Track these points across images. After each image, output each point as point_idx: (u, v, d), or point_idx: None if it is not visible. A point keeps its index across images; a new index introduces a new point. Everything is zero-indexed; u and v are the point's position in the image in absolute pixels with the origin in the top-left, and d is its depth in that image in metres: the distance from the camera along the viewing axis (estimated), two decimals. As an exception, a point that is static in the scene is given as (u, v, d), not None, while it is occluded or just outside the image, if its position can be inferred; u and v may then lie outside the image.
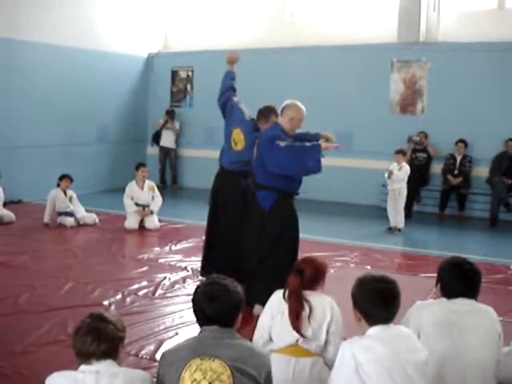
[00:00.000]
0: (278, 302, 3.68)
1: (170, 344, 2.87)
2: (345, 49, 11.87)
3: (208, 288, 2.80)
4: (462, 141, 10.73)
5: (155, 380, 2.75)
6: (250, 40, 12.93)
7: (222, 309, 2.73)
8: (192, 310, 2.84)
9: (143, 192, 9.31)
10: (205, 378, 2.54)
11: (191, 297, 2.85)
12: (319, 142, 5.77)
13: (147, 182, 9.38)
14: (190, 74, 13.92)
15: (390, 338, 2.83)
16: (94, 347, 2.50)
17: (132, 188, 9.32)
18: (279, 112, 5.72)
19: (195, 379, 2.55)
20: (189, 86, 13.97)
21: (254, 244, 5.43)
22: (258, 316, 4.24)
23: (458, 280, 3.30)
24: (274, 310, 3.65)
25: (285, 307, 3.59)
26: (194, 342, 2.75)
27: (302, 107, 5.78)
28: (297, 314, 3.52)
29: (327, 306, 3.56)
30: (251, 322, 4.27)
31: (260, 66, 12.70)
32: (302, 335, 3.47)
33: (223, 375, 2.56)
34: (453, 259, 3.42)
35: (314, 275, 3.57)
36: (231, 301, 2.77)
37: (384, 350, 2.74)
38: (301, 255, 7.52)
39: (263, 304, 4.41)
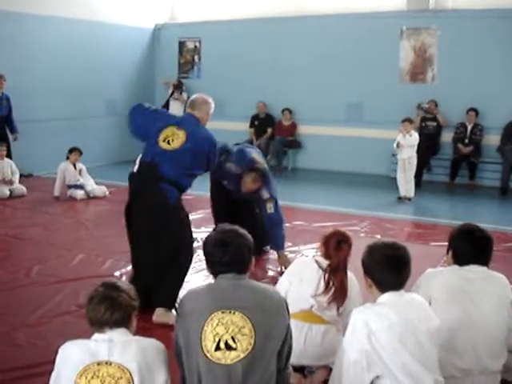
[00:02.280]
0: (298, 267, 3.73)
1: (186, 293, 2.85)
2: (354, 17, 11.72)
3: (219, 235, 2.82)
4: (473, 109, 10.62)
5: (175, 330, 2.77)
6: (257, 10, 12.81)
7: (237, 253, 2.75)
8: (205, 262, 2.85)
9: None
10: (227, 331, 2.58)
11: (202, 250, 2.87)
12: None
13: None
14: (197, 44, 13.81)
15: (403, 305, 2.83)
16: (107, 316, 2.51)
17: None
18: (191, 105, 4.99)
19: (217, 333, 2.59)
20: (196, 57, 13.87)
21: (155, 239, 4.67)
22: (159, 323, 4.41)
23: (471, 247, 3.28)
24: (293, 275, 3.70)
25: (304, 273, 3.64)
26: (212, 290, 2.76)
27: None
28: (344, 285, 3.56)
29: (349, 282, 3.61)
30: (151, 330, 4.16)
31: (268, 35, 12.60)
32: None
33: (245, 328, 2.59)
34: (465, 226, 3.40)
35: (351, 246, 3.61)
36: (244, 244, 2.80)
37: (396, 317, 2.74)
38: (311, 226, 7.59)
39: (170, 308, 4.53)
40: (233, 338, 2.57)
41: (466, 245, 3.30)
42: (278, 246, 6.03)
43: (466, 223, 3.47)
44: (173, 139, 4.64)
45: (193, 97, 5.09)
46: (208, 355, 2.57)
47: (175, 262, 4.64)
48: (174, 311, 4.46)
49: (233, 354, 2.57)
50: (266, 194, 5.89)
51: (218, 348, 2.57)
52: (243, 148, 6.09)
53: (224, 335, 2.58)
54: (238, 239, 2.80)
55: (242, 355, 2.56)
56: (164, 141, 4.66)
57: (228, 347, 2.57)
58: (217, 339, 2.58)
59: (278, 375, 2.75)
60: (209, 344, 2.58)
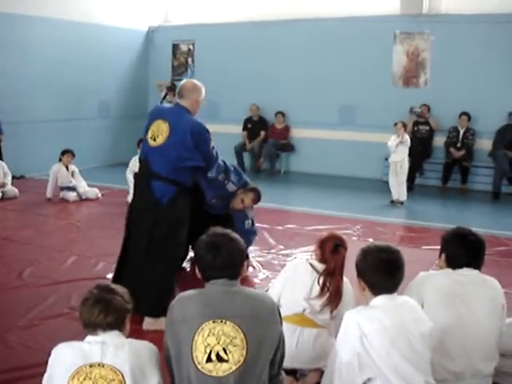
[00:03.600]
0: (293, 269, 3.73)
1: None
2: (347, 21, 11.74)
3: (210, 239, 2.78)
4: (465, 113, 10.65)
5: (165, 337, 2.73)
6: (251, 13, 12.83)
7: (229, 257, 2.71)
8: (197, 266, 2.81)
9: None
10: (218, 343, 2.54)
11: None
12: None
13: None
14: (190, 47, 13.82)
15: (395, 308, 2.84)
16: (101, 318, 2.51)
17: (135, 163, 9.20)
18: (179, 93, 4.76)
19: (208, 344, 2.55)
20: (190, 60, 13.88)
21: (143, 241, 4.57)
22: (150, 330, 4.31)
23: (464, 250, 3.30)
24: (287, 276, 3.70)
25: (298, 275, 3.63)
26: (203, 297, 2.70)
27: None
28: (340, 289, 3.56)
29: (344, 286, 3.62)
30: (143, 334, 4.18)
31: (261, 39, 12.61)
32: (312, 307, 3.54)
33: (236, 339, 2.56)
34: (458, 230, 3.41)
35: (346, 250, 3.62)
36: (235, 248, 2.76)
37: (389, 320, 2.76)
38: (304, 229, 7.60)
39: (158, 315, 4.30)
40: (224, 350, 2.54)
41: (460, 248, 3.31)
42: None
43: (459, 227, 3.48)
44: (158, 135, 4.54)
45: (181, 83, 4.84)
46: (199, 367, 2.53)
47: (161, 265, 4.50)
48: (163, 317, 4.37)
49: (224, 366, 2.53)
50: (250, 213, 5.86)
51: (209, 360, 2.53)
52: (236, 167, 5.94)
53: (215, 346, 2.54)
54: (230, 243, 2.76)
55: (234, 367, 2.53)
56: (151, 137, 4.59)
57: (220, 359, 2.53)
58: (208, 350, 2.54)
59: (271, 382, 2.73)
60: (200, 355, 2.54)
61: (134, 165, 9.11)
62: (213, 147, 4.78)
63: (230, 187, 5.60)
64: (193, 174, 4.75)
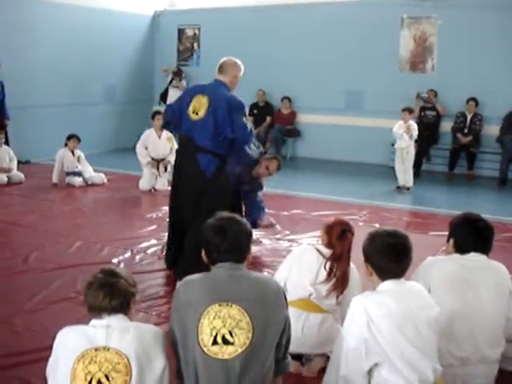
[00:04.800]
0: (299, 255, 3.71)
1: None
2: (354, 5, 11.68)
3: (216, 222, 2.78)
4: (472, 99, 10.58)
5: (170, 321, 2.72)
6: (256, -3, 12.76)
7: (235, 240, 2.72)
8: (203, 250, 2.81)
9: (160, 141, 9.05)
10: (224, 325, 2.54)
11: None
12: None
13: (165, 131, 8.95)
14: (196, 32, 13.75)
15: (402, 293, 2.82)
16: (106, 302, 2.50)
17: (149, 136, 9.06)
18: (219, 69, 5.14)
19: (214, 327, 2.54)
20: (195, 45, 13.81)
21: (190, 209, 4.88)
22: None
23: (472, 236, 3.29)
24: (293, 262, 3.69)
25: (304, 260, 3.62)
26: (208, 281, 2.70)
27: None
28: (346, 275, 3.55)
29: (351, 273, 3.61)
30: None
31: (267, 23, 12.55)
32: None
33: (242, 322, 2.56)
34: (467, 215, 3.40)
35: (353, 235, 3.61)
36: (242, 231, 2.77)
37: (396, 305, 2.74)
38: (310, 214, 7.58)
39: None
40: (230, 333, 2.54)
41: (469, 234, 3.30)
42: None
43: (468, 212, 3.47)
44: (199, 109, 4.84)
45: (222, 59, 5.20)
46: (205, 350, 2.53)
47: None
48: None
49: (230, 348, 2.53)
50: (263, 182, 6.04)
51: (215, 342, 2.53)
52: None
53: (221, 329, 2.54)
54: (236, 226, 2.76)
55: (240, 350, 2.53)
56: (193, 112, 4.88)
57: (225, 342, 2.53)
58: (214, 333, 2.54)
59: (277, 366, 2.74)
60: (206, 338, 2.54)
61: (147, 138, 9.03)
62: (247, 122, 5.02)
63: (253, 154, 5.71)
64: (231, 146, 4.99)
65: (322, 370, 3.35)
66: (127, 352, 2.45)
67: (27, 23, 10.88)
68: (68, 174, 9.20)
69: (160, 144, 9.08)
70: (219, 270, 2.72)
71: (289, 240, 6.49)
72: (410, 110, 9.27)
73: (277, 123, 12.48)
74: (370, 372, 2.80)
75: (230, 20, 12.94)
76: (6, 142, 9.66)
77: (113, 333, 2.48)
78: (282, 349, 2.76)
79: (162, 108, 13.58)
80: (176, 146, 8.81)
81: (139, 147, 9.08)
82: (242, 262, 2.76)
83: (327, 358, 3.42)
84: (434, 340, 2.82)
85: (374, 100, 11.73)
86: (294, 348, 3.23)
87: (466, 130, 10.62)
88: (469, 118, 10.66)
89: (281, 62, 12.39)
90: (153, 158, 9.05)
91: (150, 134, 9.09)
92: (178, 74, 13.24)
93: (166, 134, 8.99)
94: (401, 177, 9.31)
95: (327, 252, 3.59)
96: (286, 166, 11.57)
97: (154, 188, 8.95)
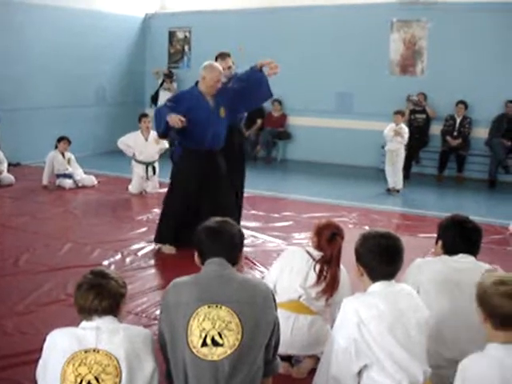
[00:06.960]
0: (290, 257, 3.73)
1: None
2: (344, 8, 11.71)
3: (210, 225, 2.83)
4: (462, 102, 10.64)
5: (159, 322, 2.75)
6: (247, 1, 12.76)
7: (228, 242, 2.77)
8: (196, 253, 2.84)
9: (148, 143, 8.98)
10: (214, 327, 2.56)
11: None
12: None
13: (152, 132, 8.70)
14: (187, 34, 13.76)
15: (393, 295, 2.84)
16: (95, 303, 2.52)
17: (136, 139, 8.96)
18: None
19: (204, 328, 2.56)
20: (186, 47, 13.82)
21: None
22: None
23: (461, 237, 3.31)
24: (284, 263, 3.70)
25: (294, 262, 3.64)
26: (198, 282, 2.72)
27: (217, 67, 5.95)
28: (336, 278, 3.57)
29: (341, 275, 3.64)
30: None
31: (257, 26, 12.55)
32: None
33: (231, 323, 2.58)
34: (455, 217, 3.42)
35: (343, 239, 3.62)
36: (235, 234, 2.82)
37: (386, 307, 2.76)
38: (300, 216, 7.60)
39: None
40: (219, 334, 2.55)
41: (457, 235, 3.32)
42: None
43: (456, 214, 3.49)
44: None
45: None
46: (194, 351, 2.55)
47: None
48: None
49: (219, 350, 2.55)
50: None
51: (204, 344, 2.55)
52: None
53: (210, 331, 2.56)
54: (230, 228, 2.81)
55: (229, 351, 2.55)
56: None
57: (215, 343, 2.55)
58: (203, 335, 2.55)
59: (266, 367, 2.76)
60: (195, 339, 2.56)
61: (135, 142, 8.94)
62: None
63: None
64: None
65: (312, 371, 3.37)
66: (117, 354, 2.47)
67: (18, 26, 10.83)
68: (58, 176, 9.18)
69: (148, 146, 9.03)
70: (209, 268, 2.75)
71: (280, 241, 6.52)
72: (402, 114, 9.41)
73: (267, 126, 12.49)
74: (359, 373, 2.82)
75: (221, 23, 12.95)
76: (-4, 145, 9.63)
77: (102, 335, 2.49)
78: (271, 350, 2.78)
79: (152, 111, 13.64)
80: (165, 146, 8.89)
81: (121, 145, 9.06)
82: (233, 264, 2.78)
83: (317, 359, 3.44)
84: (423, 342, 2.84)
85: (364, 103, 11.76)
86: (283, 349, 3.25)
87: (455, 133, 10.67)
88: (458, 120, 10.71)
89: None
90: (141, 162, 9.00)
91: (136, 137, 9.04)
92: (169, 76, 13.24)
93: (153, 134, 8.59)
94: (391, 179, 9.35)
95: (317, 254, 3.61)
96: (276, 169, 11.69)
97: (144, 191, 8.94)
